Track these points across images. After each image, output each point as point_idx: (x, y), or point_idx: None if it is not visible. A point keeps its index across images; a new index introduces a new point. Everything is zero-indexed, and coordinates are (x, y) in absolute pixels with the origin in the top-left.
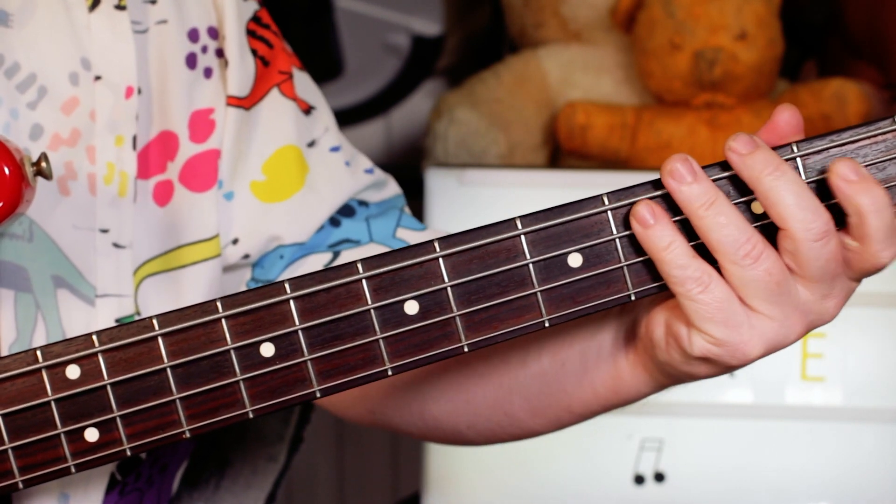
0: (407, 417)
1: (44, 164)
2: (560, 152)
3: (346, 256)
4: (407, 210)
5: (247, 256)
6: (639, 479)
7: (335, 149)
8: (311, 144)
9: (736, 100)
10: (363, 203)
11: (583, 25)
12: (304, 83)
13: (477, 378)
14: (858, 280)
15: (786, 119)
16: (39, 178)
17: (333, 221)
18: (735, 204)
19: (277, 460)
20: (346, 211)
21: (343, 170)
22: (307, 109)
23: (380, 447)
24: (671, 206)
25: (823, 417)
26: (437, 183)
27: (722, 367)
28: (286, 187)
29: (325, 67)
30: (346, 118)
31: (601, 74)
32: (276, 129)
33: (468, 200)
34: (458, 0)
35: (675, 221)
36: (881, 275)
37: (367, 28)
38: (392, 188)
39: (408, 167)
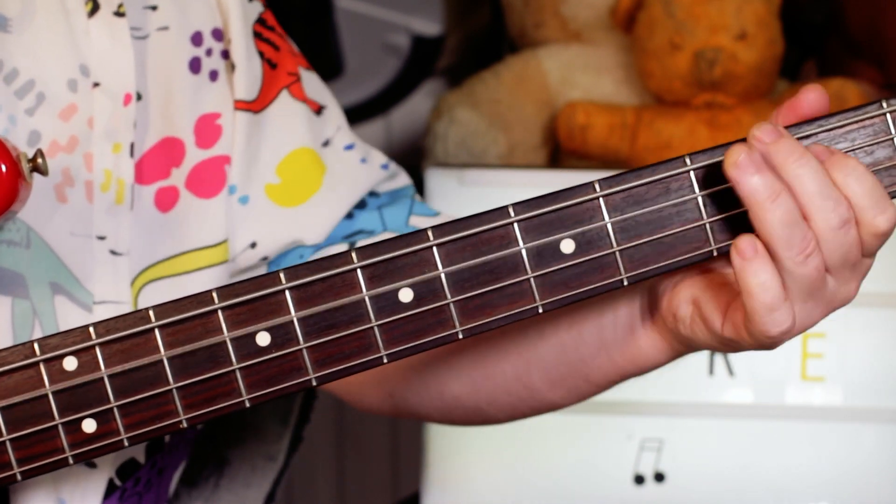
0: (426, 399)
1: (40, 161)
2: (560, 152)
3: None
4: (418, 197)
5: (265, 258)
6: (639, 479)
7: (349, 147)
8: (326, 144)
9: (736, 100)
10: (374, 194)
11: (583, 25)
12: (312, 83)
13: (495, 353)
14: (872, 255)
15: (812, 99)
16: (37, 179)
17: (347, 215)
18: (727, 189)
19: (277, 460)
20: (359, 204)
21: (359, 167)
22: (318, 109)
23: (380, 447)
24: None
25: (823, 417)
26: (437, 183)
27: (742, 349)
28: (303, 190)
29: (325, 67)
30: (347, 118)
31: (601, 74)
32: (289, 132)
33: (468, 200)
34: (458, 0)
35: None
36: (881, 275)
37: (367, 28)
38: (402, 179)
39: (408, 167)
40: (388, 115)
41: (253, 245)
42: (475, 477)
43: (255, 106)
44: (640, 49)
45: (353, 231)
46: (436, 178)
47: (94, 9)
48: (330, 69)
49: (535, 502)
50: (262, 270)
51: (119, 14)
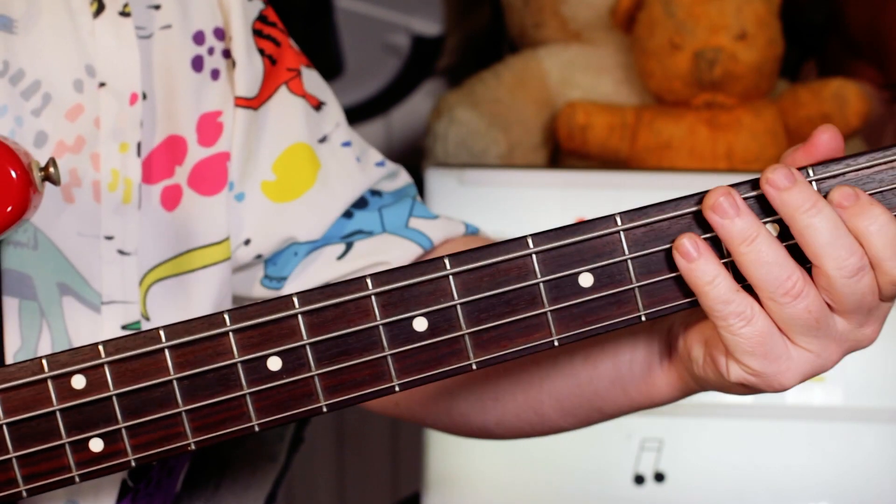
0: (433, 412)
1: (52, 170)
2: (560, 152)
3: (359, 247)
4: (419, 199)
5: (259, 256)
6: (639, 479)
7: (346, 144)
8: (323, 140)
9: (736, 100)
10: (377, 193)
11: (583, 25)
12: (313, 79)
13: (507, 379)
14: (890, 300)
15: (825, 140)
16: (45, 185)
17: (346, 213)
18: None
19: (277, 460)
20: (360, 202)
21: (354, 165)
22: (317, 105)
23: (380, 447)
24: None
25: (823, 417)
26: (437, 183)
27: (757, 392)
28: (298, 185)
29: (325, 67)
30: (347, 118)
31: (601, 74)
32: (286, 128)
33: (468, 200)
34: (458, 0)
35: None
36: None
37: (367, 28)
38: (403, 178)
39: (408, 167)
40: (388, 115)
41: (247, 242)
42: (475, 477)
43: (255, 103)
44: (640, 49)
45: (351, 231)
46: (436, 178)
47: (100, 9)
48: (330, 69)
49: (535, 502)
50: (258, 268)
51: (125, 14)
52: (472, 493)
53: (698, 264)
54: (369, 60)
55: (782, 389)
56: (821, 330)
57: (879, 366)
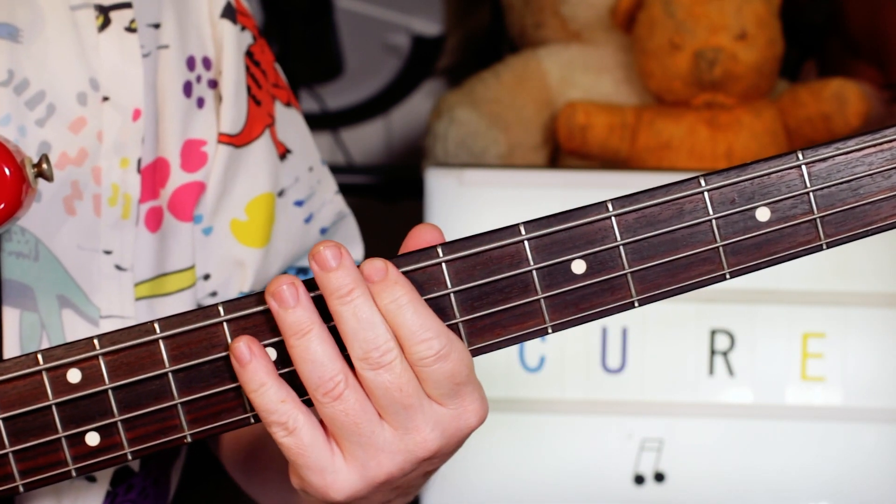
0: (233, 464)
1: (45, 166)
2: (560, 152)
3: None
4: None
5: (214, 294)
6: (639, 479)
7: (299, 203)
8: (281, 194)
9: (736, 100)
10: (302, 270)
11: (583, 25)
12: (284, 122)
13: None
14: (442, 401)
15: (422, 233)
16: (48, 190)
17: None
18: (740, 212)
19: None
20: None
21: (300, 227)
22: (283, 154)
23: None
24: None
25: (823, 417)
26: (437, 183)
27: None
28: (261, 235)
29: (325, 67)
30: (346, 118)
31: (601, 74)
32: (264, 173)
33: (468, 200)
34: (458, 0)
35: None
36: (881, 275)
37: (367, 28)
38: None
39: (408, 167)
40: (388, 115)
41: (206, 277)
42: (475, 477)
43: (238, 140)
44: (640, 49)
45: None
46: (436, 178)
47: (105, 23)
48: (330, 69)
49: (535, 502)
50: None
51: (130, 30)
52: (472, 493)
53: (248, 369)
54: (369, 60)
55: (336, 502)
56: (363, 437)
57: (879, 366)
